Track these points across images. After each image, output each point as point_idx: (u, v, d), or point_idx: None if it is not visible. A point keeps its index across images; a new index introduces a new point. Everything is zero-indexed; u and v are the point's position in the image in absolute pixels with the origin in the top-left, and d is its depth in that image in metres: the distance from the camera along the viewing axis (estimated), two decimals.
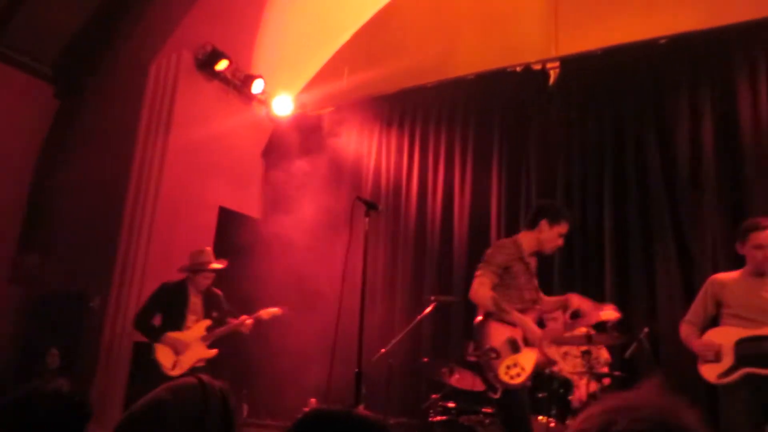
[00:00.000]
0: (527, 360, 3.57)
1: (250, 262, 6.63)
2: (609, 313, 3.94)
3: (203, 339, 4.89)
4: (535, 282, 3.97)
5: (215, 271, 5.04)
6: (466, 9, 6.73)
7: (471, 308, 4.72)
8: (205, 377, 1.45)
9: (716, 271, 4.49)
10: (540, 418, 3.96)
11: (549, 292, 5.12)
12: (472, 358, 3.72)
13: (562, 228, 3.84)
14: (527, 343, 3.63)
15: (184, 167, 6.50)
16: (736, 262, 3.96)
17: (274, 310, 5.16)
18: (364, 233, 3.82)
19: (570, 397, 4.15)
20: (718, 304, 3.71)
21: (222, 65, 6.72)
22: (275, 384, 6.17)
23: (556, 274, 5.35)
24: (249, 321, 5.05)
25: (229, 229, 6.78)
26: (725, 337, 3.54)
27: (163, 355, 4.74)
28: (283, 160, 7.32)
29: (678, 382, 4.48)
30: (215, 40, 6.62)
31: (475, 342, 3.68)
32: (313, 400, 5.10)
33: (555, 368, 4.57)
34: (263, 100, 7.40)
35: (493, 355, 3.52)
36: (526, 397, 3.66)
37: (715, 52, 5.20)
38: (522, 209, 5.73)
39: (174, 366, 4.70)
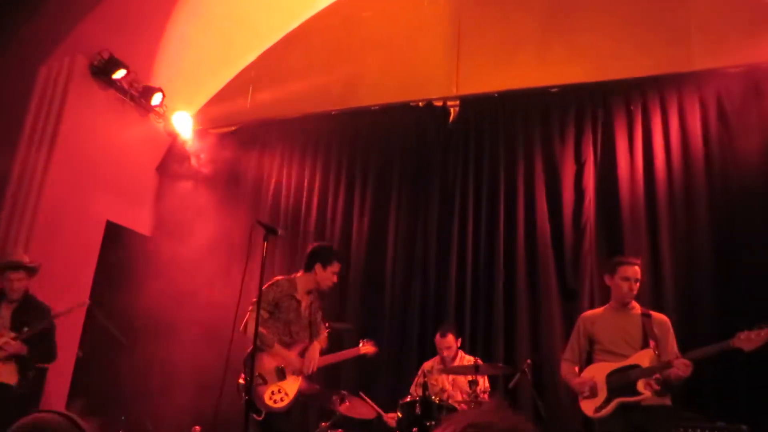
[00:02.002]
0: (291, 387, 3.99)
1: (137, 280, 6.33)
2: (367, 347, 4.62)
3: None
4: (317, 315, 4.38)
5: (19, 269, 4.53)
6: (371, 41, 6.89)
7: (366, 336, 4.81)
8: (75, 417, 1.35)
9: (593, 306, 4.84)
10: None
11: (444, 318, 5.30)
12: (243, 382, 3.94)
13: (335, 268, 4.30)
14: (293, 371, 4.04)
15: (70, 178, 6.10)
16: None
17: (79, 304, 4.83)
18: (262, 257, 3.78)
19: None
20: (591, 340, 3.97)
21: (119, 74, 6.43)
22: (159, 410, 5.89)
23: (451, 304, 5.53)
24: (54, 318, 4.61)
25: (117, 246, 6.45)
26: (598, 372, 3.79)
27: None
28: (178, 177, 7.08)
29: (557, 410, 4.74)
30: (114, 47, 6.33)
31: (245, 370, 3.91)
32: (197, 428, 4.92)
33: (445, 396, 4.71)
34: (161, 114, 7.14)
35: (260, 381, 3.86)
36: (291, 421, 4.01)
37: (598, 104, 5.65)
38: (419, 238, 5.89)
39: None
